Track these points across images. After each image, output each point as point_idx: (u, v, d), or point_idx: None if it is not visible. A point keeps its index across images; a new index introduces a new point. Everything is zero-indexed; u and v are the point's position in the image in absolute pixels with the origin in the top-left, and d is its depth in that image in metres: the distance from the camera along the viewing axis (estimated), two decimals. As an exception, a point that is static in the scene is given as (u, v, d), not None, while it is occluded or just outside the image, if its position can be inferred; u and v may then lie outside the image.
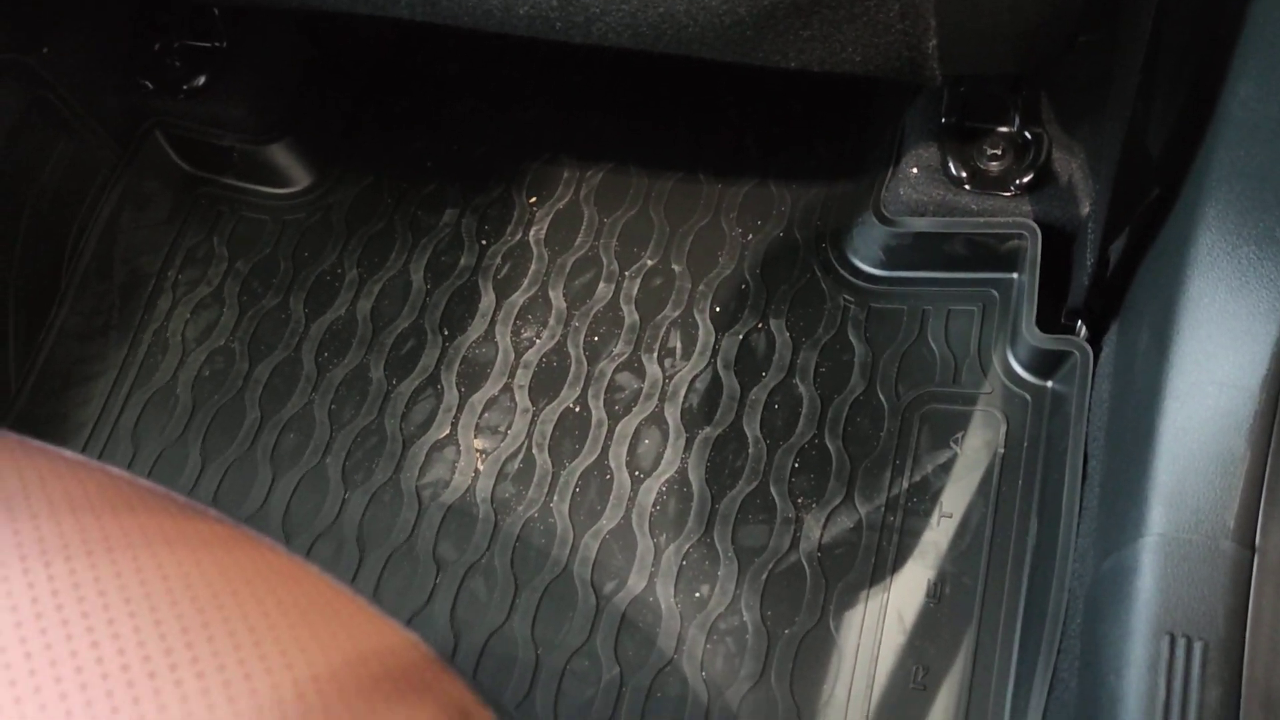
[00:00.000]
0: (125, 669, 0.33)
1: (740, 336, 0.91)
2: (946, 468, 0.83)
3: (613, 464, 0.87)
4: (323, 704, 0.34)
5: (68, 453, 0.40)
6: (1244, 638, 0.58)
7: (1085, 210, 0.84)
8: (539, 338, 0.94)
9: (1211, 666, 0.58)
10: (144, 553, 0.35)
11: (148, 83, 1.02)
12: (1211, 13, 0.65)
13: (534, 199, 1.01)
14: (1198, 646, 0.59)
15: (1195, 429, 0.62)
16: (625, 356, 0.92)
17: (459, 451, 0.90)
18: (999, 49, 0.69)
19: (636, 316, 0.94)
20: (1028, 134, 0.87)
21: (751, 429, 0.87)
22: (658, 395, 0.90)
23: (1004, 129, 0.87)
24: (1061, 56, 0.76)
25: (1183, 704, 0.58)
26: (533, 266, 0.98)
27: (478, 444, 0.90)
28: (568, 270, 0.97)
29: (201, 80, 1.02)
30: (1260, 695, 0.58)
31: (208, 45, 1.03)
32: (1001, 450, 0.82)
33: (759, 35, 0.66)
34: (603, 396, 0.90)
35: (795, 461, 0.85)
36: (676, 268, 0.96)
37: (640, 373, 0.91)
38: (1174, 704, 0.58)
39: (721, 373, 0.90)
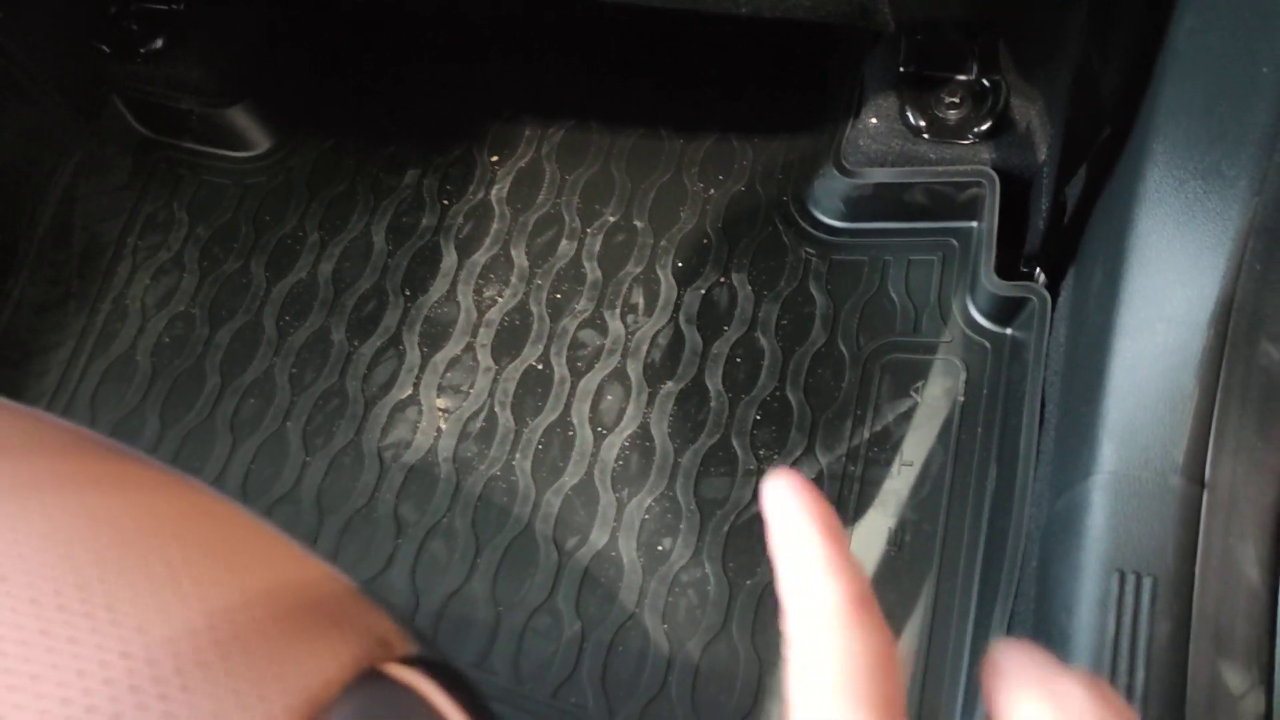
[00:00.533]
0: (34, 602, 0.32)
1: (702, 291, 0.90)
2: (907, 417, 0.83)
3: (575, 421, 0.87)
4: (234, 633, 0.33)
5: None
6: (1193, 572, 0.58)
7: (1043, 156, 0.84)
8: (501, 296, 0.93)
9: (1161, 602, 0.58)
10: (70, 493, 0.34)
11: (104, 46, 1.01)
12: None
13: (495, 157, 1.00)
14: (1147, 582, 0.59)
15: (1145, 366, 0.62)
16: (588, 313, 0.91)
17: (421, 412, 0.90)
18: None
19: (599, 273, 0.93)
20: (985, 82, 0.86)
21: (714, 383, 0.86)
22: (620, 351, 0.89)
23: (962, 77, 0.87)
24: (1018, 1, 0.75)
25: (1132, 639, 0.58)
26: (495, 225, 0.97)
27: (440, 403, 0.90)
28: (530, 228, 0.96)
29: (159, 43, 1.01)
30: (1210, 629, 0.58)
31: (165, 7, 1.02)
32: (961, 398, 0.82)
33: (705, -24, 0.65)
34: (565, 354, 0.90)
35: (757, 414, 0.85)
36: (639, 224, 0.95)
37: (603, 329, 0.91)
38: (1123, 639, 0.58)
39: (684, 327, 0.89)
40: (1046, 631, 0.63)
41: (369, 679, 0.34)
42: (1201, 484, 0.60)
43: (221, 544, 0.37)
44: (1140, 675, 0.57)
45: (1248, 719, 0.55)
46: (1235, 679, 0.56)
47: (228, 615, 0.34)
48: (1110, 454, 0.62)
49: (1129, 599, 0.59)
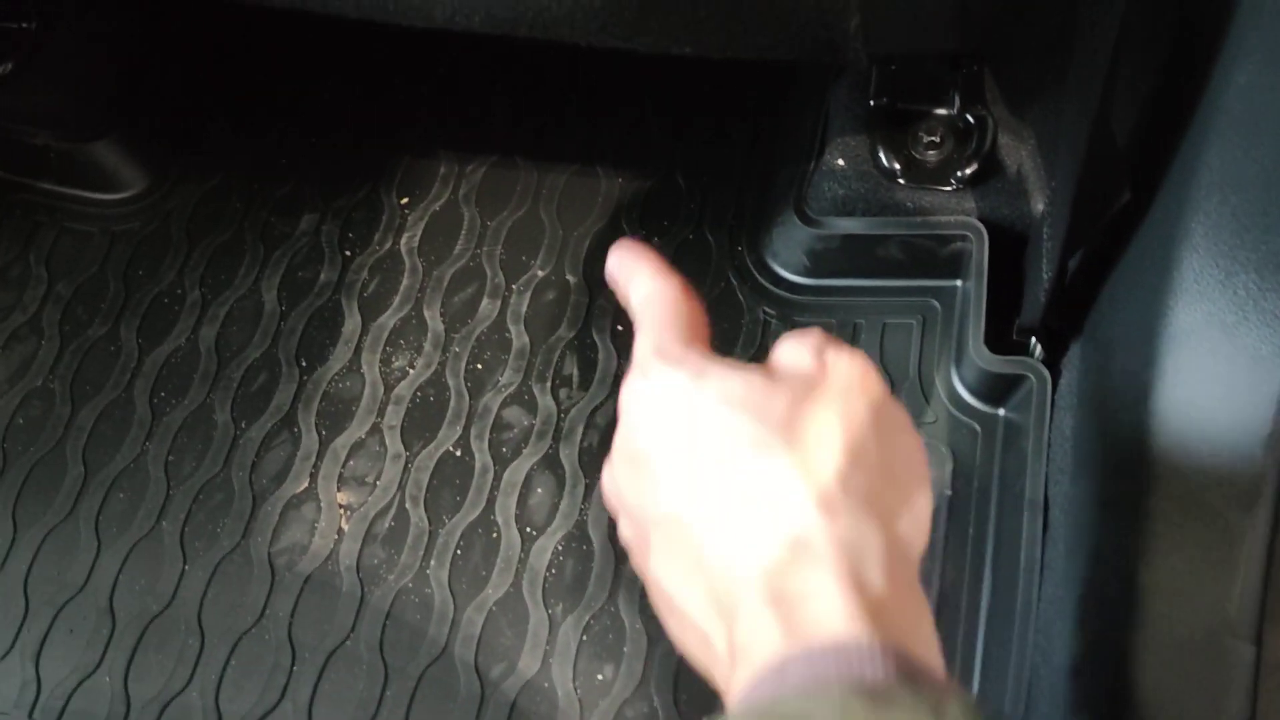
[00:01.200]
0: None
1: (646, 359, 0.78)
2: (886, 513, 0.71)
3: (500, 520, 0.75)
4: None
5: None
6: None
7: (1039, 207, 0.72)
8: (413, 367, 0.81)
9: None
10: None
11: (-59, 73, 0.87)
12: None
13: (405, 200, 0.88)
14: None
15: (1192, 501, 0.50)
16: (514, 388, 0.79)
17: (319, 509, 0.77)
18: (933, 24, 0.57)
19: (526, 339, 0.81)
20: (970, 117, 0.75)
21: (660, 470, 0.74)
22: (551, 434, 0.77)
23: (942, 111, 0.75)
24: (1009, 27, 0.63)
25: None
26: (404, 281, 0.84)
27: (341, 498, 0.77)
28: (445, 284, 0.84)
29: (9, 67, 0.88)
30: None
31: (14, 26, 0.88)
32: (948, 492, 0.71)
33: (643, 16, 0.53)
34: (487, 437, 0.78)
35: (711, 509, 0.73)
36: (571, 279, 0.83)
37: (531, 407, 0.78)
38: None
39: (625, 403, 0.77)
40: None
41: None
42: (1258, 644, 0.49)
43: None
44: None
45: None
46: None
47: None
48: (1147, 606, 0.51)
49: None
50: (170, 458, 0.80)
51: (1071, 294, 0.66)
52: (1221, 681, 0.48)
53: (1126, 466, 0.53)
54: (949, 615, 0.67)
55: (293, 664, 0.72)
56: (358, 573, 0.74)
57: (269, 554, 0.76)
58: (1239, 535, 0.49)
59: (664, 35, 0.55)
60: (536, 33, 0.56)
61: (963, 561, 0.68)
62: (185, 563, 0.76)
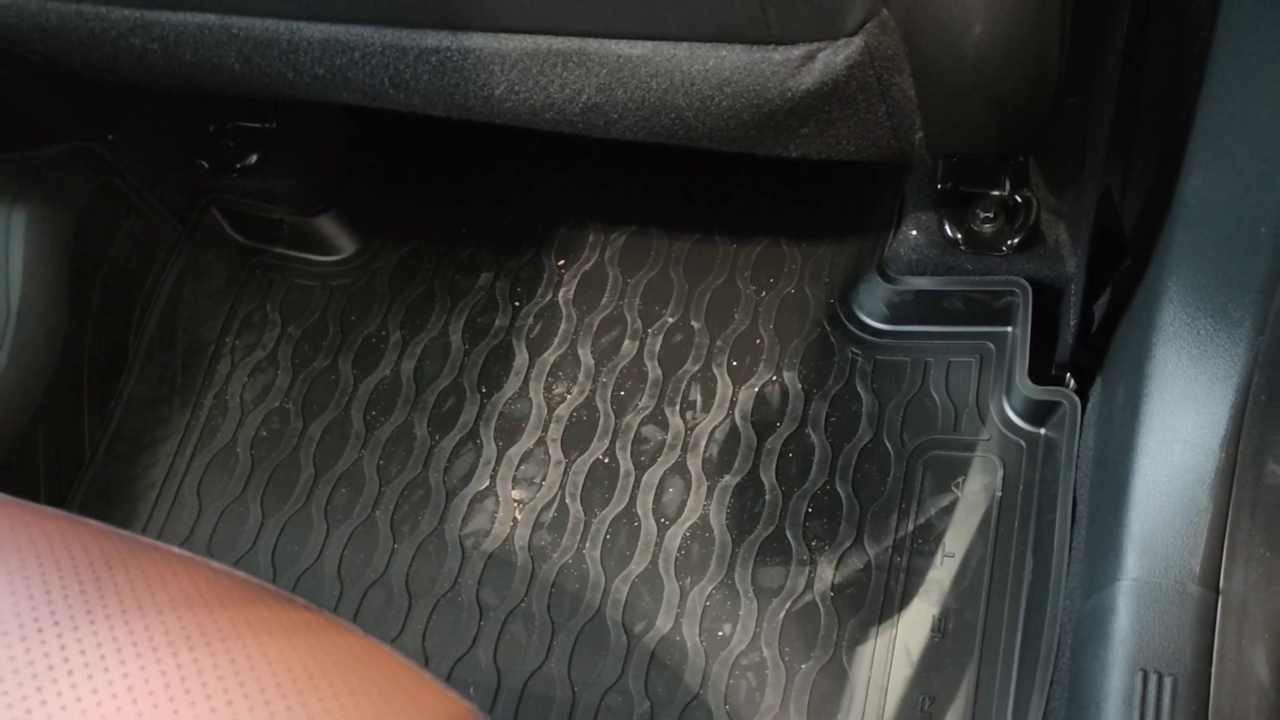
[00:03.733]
0: None
1: (756, 389, 0.98)
2: (949, 510, 0.89)
3: (640, 512, 0.94)
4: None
5: (176, 549, 0.48)
6: (1210, 673, 0.65)
7: (1072, 268, 0.91)
8: (570, 393, 1.01)
9: (1180, 700, 0.65)
10: (250, 642, 0.42)
11: (204, 162, 1.11)
12: (1172, 104, 0.72)
13: (562, 261, 1.09)
14: (1168, 681, 0.65)
15: (1164, 483, 0.68)
16: (650, 410, 0.99)
17: (498, 502, 0.97)
18: (982, 136, 0.76)
19: (659, 371, 1.01)
20: (1018, 198, 0.93)
21: (768, 476, 0.94)
22: (680, 446, 0.97)
23: (995, 193, 0.94)
24: (1043, 132, 0.82)
25: (1154, 734, 0.64)
26: (562, 326, 1.05)
27: (515, 495, 0.98)
28: (595, 328, 1.04)
29: (253, 159, 1.11)
30: (1224, 725, 0.64)
31: (259, 126, 1.12)
32: (999, 493, 0.89)
33: (761, 134, 0.73)
34: (630, 448, 0.98)
35: (809, 506, 0.92)
36: (695, 324, 1.03)
37: (664, 425, 0.98)
38: (1147, 734, 0.64)
39: (739, 423, 0.97)
40: (1077, 723, 0.69)
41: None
42: (1216, 591, 0.66)
43: (374, 687, 0.44)
44: (1162, 768, 0.63)
45: (1257, 812, 0.61)
46: (1246, 775, 0.62)
47: None
48: (1134, 562, 0.68)
49: (1151, 696, 0.65)
50: (380, 462, 1.01)
51: (1094, 337, 0.84)
52: (1187, 620, 0.66)
53: (1121, 461, 0.71)
54: (999, 585, 0.85)
55: (480, 620, 0.93)
56: (529, 552, 0.95)
57: (459, 536, 0.97)
58: (1202, 509, 0.67)
59: (777, 146, 0.76)
60: (684, 143, 0.77)
61: (1009, 546, 0.86)
62: (395, 542, 0.97)
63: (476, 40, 0.69)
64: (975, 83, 0.66)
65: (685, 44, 0.66)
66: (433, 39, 0.69)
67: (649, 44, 0.66)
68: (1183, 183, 0.67)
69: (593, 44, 0.67)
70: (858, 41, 0.63)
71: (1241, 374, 0.65)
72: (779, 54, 0.64)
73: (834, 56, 0.64)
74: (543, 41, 0.68)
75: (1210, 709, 0.64)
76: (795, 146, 0.75)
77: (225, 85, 0.81)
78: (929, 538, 0.88)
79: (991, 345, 0.94)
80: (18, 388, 0.99)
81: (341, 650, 0.44)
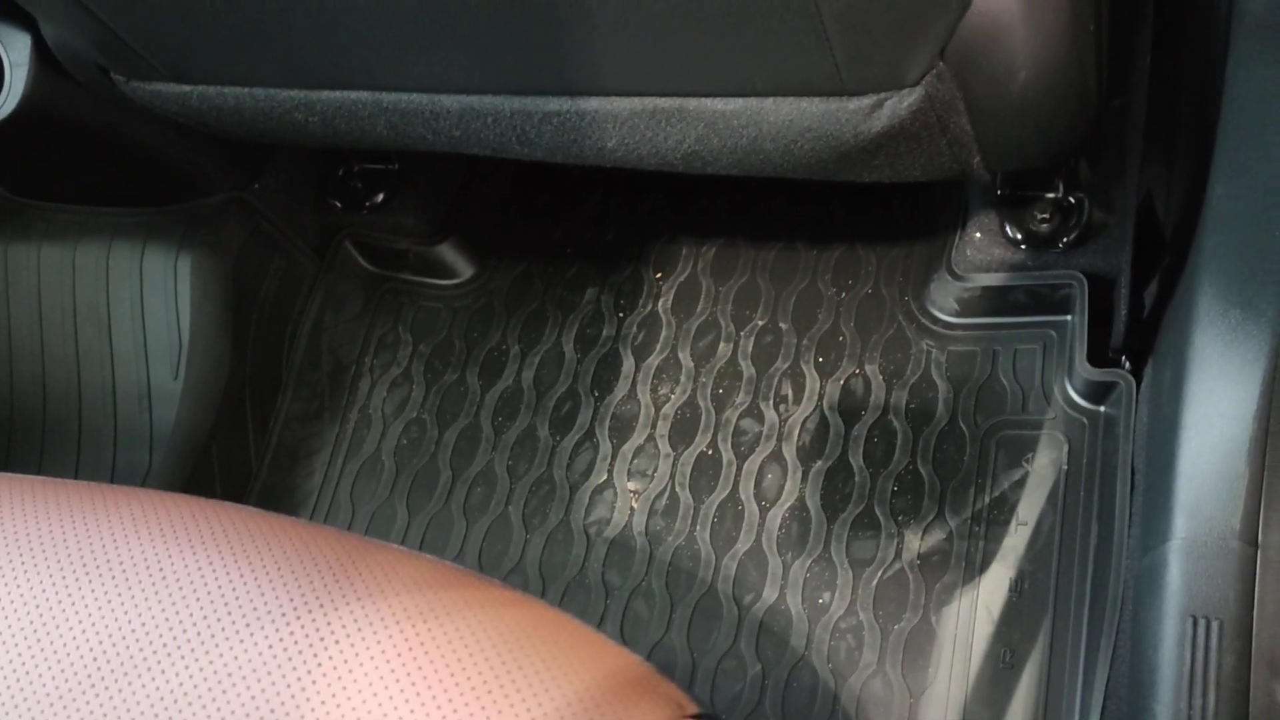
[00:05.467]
0: (478, 692, 0.53)
1: (841, 382, 1.09)
2: (1020, 484, 1.00)
3: (743, 497, 1.06)
4: (585, 711, 0.53)
5: (397, 546, 0.61)
6: (1251, 617, 0.75)
7: (1122, 261, 1.00)
8: (673, 393, 1.14)
9: (1226, 640, 0.75)
10: (469, 616, 0.55)
11: (337, 203, 1.25)
12: (1200, 115, 0.82)
13: (659, 274, 1.21)
14: (1215, 625, 0.75)
15: (1206, 452, 0.79)
16: (746, 405, 1.11)
17: (616, 494, 1.10)
18: (1032, 155, 0.86)
19: (753, 370, 1.13)
20: (1071, 199, 1.03)
21: (856, 460, 1.05)
22: (775, 436, 1.09)
23: (1051, 195, 1.04)
24: (1089, 142, 0.92)
25: (1204, 671, 0.75)
26: (663, 332, 1.17)
27: (630, 486, 1.10)
28: (693, 334, 1.16)
29: (380, 197, 1.24)
30: (1266, 661, 0.74)
31: (383, 168, 1.25)
32: (1065, 466, 0.99)
33: (838, 166, 0.84)
34: (730, 440, 1.10)
35: (894, 485, 1.03)
36: (783, 325, 1.14)
37: (760, 418, 1.10)
38: (1198, 671, 0.75)
39: (827, 414, 1.08)
40: (1139, 666, 0.80)
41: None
42: (1256, 546, 0.76)
43: (561, 648, 0.57)
44: (1211, 699, 0.73)
45: (1294, 730, 0.72)
46: (1284, 699, 0.72)
47: (580, 700, 0.54)
48: (1183, 523, 0.79)
49: (1201, 639, 0.75)
50: (509, 462, 1.15)
51: (1144, 324, 0.94)
52: (1230, 571, 0.76)
53: (1170, 434, 0.81)
54: (1068, 549, 0.95)
55: (606, 599, 1.06)
56: (646, 536, 1.07)
57: (583, 525, 1.09)
58: (1240, 474, 0.77)
59: (852, 175, 0.87)
60: (771, 175, 0.88)
61: (1076, 514, 0.97)
62: (527, 534, 1.11)
63: (592, 104, 0.81)
64: (1023, 118, 0.77)
65: (771, 99, 0.77)
66: (554, 104, 0.82)
67: (739, 100, 0.78)
68: (1210, 189, 0.77)
69: (691, 103, 0.79)
70: (919, 90, 0.74)
71: (1269, 356, 0.75)
72: (852, 104, 0.75)
73: (899, 104, 0.75)
74: (649, 102, 0.80)
75: (1253, 646, 0.75)
76: (868, 175, 0.86)
77: (372, 146, 0.94)
78: (1003, 509, 0.99)
79: (1053, 333, 1.05)
80: (194, 411, 1.14)
81: (539, 619, 0.57)
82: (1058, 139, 0.82)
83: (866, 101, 0.75)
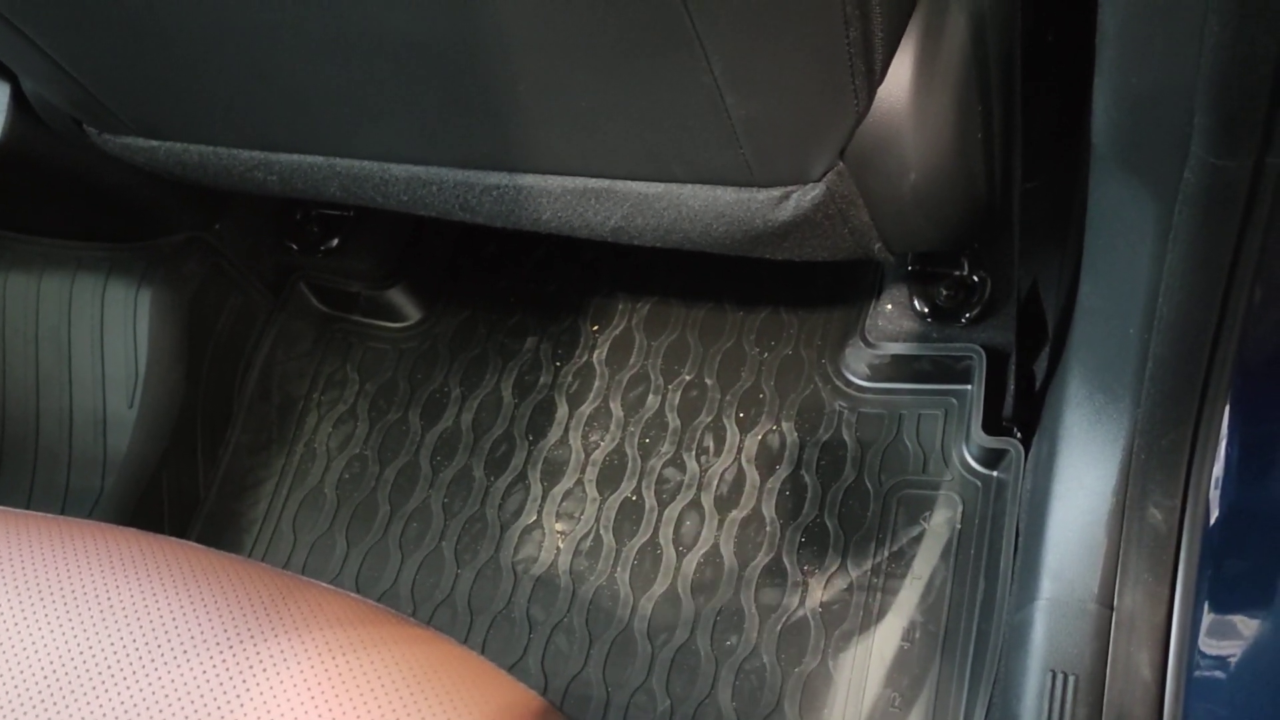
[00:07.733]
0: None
1: (759, 437, 1.17)
2: (918, 540, 1.08)
3: (662, 541, 1.14)
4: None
5: (323, 584, 0.68)
6: (1105, 673, 0.83)
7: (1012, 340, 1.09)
8: (603, 441, 1.21)
9: (1081, 694, 0.83)
10: (383, 650, 0.62)
11: (293, 245, 1.31)
12: (1074, 219, 0.90)
13: (596, 327, 1.28)
14: (1071, 679, 0.83)
15: (1072, 521, 0.87)
16: (670, 455, 1.18)
17: (544, 534, 1.17)
18: (929, 242, 0.95)
19: (678, 422, 1.20)
20: (975, 277, 1.12)
21: (769, 511, 1.13)
22: (696, 485, 1.16)
23: (956, 272, 1.12)
24: (990, 228, 1.01)
25: (1059, 720, 0.82)
26: (596, 383, 1.25)
27: (558, 527, 1.17)
28: (624, 385, 1.24)
29: (335, 242, 1.31)
30: (1115, 714, 0.82)
31: (339, 214, 1.32)
32: (959, 526, 1.07)
33: (751, 246, 0.92)
34: (654, 487, 1.17)
35: (802, 537, 1.10)
36: (709, 381, 1.22)
37: (682, 468, 1.17)
38: (1054, 720, 0.83)
39: (745, 466, 1.15)
40: (1005, 713, 0.87)
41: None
42: (1111, 608, 0.84)
43: (462, 682, 0.64)
44: (1064, 748, 0.81)
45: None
46: (1125, 752, 0.80)
47: None
48: (1048, 585, 0.87)
49: (1059, 692, 0.83)
50: (445, 500, 1.21)
51: (1033, 399, 1.03)
52: (1087, 631, 0.84)
53: (1042, 503, 0.89)
54: (956, 602, 1.03)
55: (530, 633, 1.12)
56: (570, 575, 1.14)
57: (512, 563, 1.16)
58: (1099, 543, 0.85)
59: (765, 254, 0.95)
60: (691, 249, 0.96)
61: (966, 570, 1.05)
62: (458, 568, 1.17)
63: (528, 180, 0.88)
64: (916, 211, 0.85)
65: (690, 185, 0.85)
66: (494, 179, 0.89)
67: (661, 185, 0.86)
68: (1080, 287, 0.86)
69: (619, 184, 0.86)
70: (822, 186, 0.82)
71: (1126, 437, 0.84)
72: (761, 194, 0.83)
73: (804, 197, 0.83)
74: (580, 182, 0.87)
75: (1105, 701, 0.83)
76: (779, 254, 0.94)
77: (327, 204, 1.01)
78: (901, 563, 1.07)
79: (954, 401, 1.13)
80: (146, 438, 1.19)
81: (445, 655, 0.64)
82: (952, 229, 0.91)
83: (775, 193, 0.83)
